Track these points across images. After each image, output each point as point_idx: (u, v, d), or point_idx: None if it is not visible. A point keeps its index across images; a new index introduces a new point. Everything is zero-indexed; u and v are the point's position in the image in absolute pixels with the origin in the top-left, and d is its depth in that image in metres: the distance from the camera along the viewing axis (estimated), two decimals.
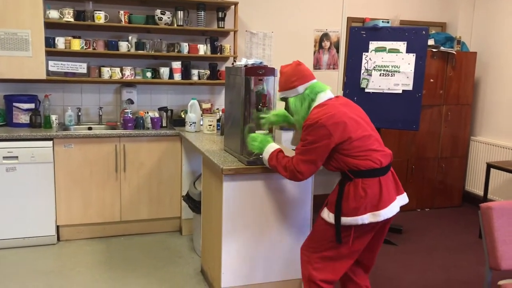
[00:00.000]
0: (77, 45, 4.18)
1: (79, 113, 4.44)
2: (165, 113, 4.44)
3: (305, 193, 3.05)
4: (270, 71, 3.01)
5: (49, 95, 4.28)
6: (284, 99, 2.66)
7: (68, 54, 4.30)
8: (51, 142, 3.90)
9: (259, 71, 2.96)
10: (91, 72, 4.31)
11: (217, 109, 4.77)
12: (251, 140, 2.83)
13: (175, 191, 4.32)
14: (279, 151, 2.67)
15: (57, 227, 4.06)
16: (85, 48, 4.24)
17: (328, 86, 2.61)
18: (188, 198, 3.92)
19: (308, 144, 2.42)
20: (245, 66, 3.00)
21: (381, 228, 2.56)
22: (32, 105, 4.18)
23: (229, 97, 3.27)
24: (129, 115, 4.31)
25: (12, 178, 3.81)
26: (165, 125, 4.43)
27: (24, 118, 4.14)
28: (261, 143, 2.78)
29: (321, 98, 2.54)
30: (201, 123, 4.26)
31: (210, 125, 4.15)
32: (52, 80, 4.22)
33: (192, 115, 4.21)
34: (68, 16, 4.10)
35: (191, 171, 4.28)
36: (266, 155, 2.73)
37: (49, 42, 4.11)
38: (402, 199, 2.58)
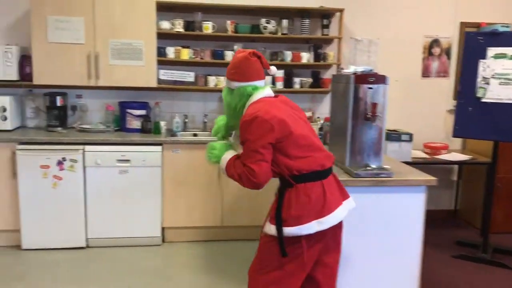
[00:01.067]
0: (186, 54, 4.35)
1: (186, 120, 4.60)
2: None
3: (417, 208, 2.86)
4: (381, 79, 2.87)
5: (159, 102, 4.49)
6: None
7: (176, 63, 4.48)
8: (161, 147, 4.08)
9: (369, 79, 2.85)
10: (198, 80, 4.45)
11: (318, 117, 4.69)
12: (209, 149, 2.49)
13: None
14: (237, 157, 2.37)
15: (162, 228, 4.22)
16: (193, 58, 4.39)
17: (268, 86, 2.44)
18: None
19: (251, 144, 2.21)
20: (354, 73, 2.90)
21: (332, 238, 2.37)
22: (143, 112, 4.41)
23: (334, 105, 3.18)
24: None
25: (124, 180, 4.04)
26: None
27: (136, 124, 4.38)
28: (219, 151, 2.44)
29: (258, 95, 2.35)
30: None
31: None
32: (162, 88, 4.43)
33: None
34: (179, 27, 4.28)
35: None
36: (223, 163, 2.39)
37: (161, 52, 4.31)
38: (349, 203, 2.40)
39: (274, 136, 2.21)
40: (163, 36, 4.34)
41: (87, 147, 3.95)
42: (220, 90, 4.62)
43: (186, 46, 4.42)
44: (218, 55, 4.42)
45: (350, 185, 2.76)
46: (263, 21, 4.37)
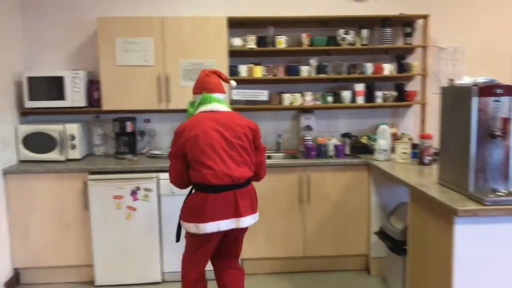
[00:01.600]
0: (259, 72, 4.06)
1: None
2: (348, 140, 4.09)
3: None
4: (509, 90, 2.48)
5: None
6: None
7: (248, 82, 4.21)
8: None
9: (496, 91, 2.46)
10: (272, 99, 4.15)
11: (403, 133, 4.29)
12: None
13: (362, 226, 3.92)
14: None
15: (241, 260, 3.90)
16: (266, 75, 4.11)
17: (219, 100, 2.76)
18: (384, 236, 3.50)
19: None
20: (476, 85, 2.51)
21: (230, 239, 2.84)
22: None
23: (447, 121, 2.79)
24: (310, 142, 4.06)
25: None
26: (348, 152, 4.08)
27: None
28: None
29: (199, 110, 2.74)
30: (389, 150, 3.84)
31: (404, 153, 3.69)
32: (234, 108, 4.13)
33: (383, 142, 3.79)
34: (251, 43, 4.00)
35: (380, 203, 3.85)
36: None
37: (232, 70, 4.05)
38: (239, 221, 2.67)
39: (177, 150, 2.67)
40: (233, 53, 4.07)
41: (161, 175, 3.70)
42: (295, 109, 4.32)
43: (257, 63, 4.14)
44: (292, 70, 4.11)
45: (480, 215, 2.37)
46: (341, 32, 4.04)
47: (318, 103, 4.19)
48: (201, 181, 2.62)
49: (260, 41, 4.08)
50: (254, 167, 2.76)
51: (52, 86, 3.91)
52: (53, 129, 3.88)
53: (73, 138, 3.93)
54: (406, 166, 3.54)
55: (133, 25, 3.84)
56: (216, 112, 2.71)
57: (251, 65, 4.09)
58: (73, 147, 3.94)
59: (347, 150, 4.08)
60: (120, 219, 3.68)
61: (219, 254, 2.93)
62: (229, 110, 2.79)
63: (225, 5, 4.22)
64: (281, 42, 4.04)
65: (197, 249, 2.74)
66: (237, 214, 2.65)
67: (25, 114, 4.08)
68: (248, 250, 3.87)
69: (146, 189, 3.67)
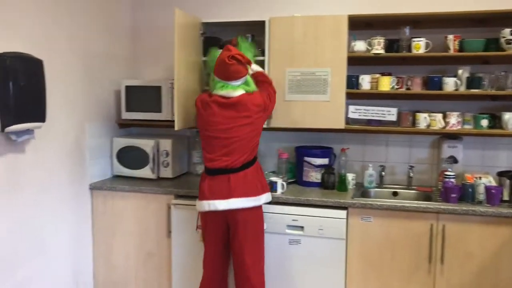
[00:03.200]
0: (386, 84, 3.18)
1: (383, 173, 3.40)
2: (507, 181, 2.96)
3: None
4: None
5: (347, 148, 3.39)
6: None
7: (372, 96, 3.35)
8: (345, 212, 2.96)
9: None
10: (402, 119, 3.23)
11: None
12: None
13: None
14: None
15: None
16: (396, 88, 3.20)
17: (233, 87, 2.75)
18: None
19: None
20: None
21: (234, 227, 2.74)
22: (325, 161, 3.37)
23: None
24: (453, 180, 3.03)
25: (295, 254, 3.03)
26: (506, 198, 2.94)
27: (316, 176, 3.35)
28: None
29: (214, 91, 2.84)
30: None
31: None
32: (351, 129, 3.32)
33: None
34: (378, 47, 3.15)
35: None
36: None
37: (351, 82, 3.24)
38: (231, 202, 2.68)
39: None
40: (354, 61, 3.25)
41: None
42: (434, 133, 3.33)
43: (386, 73, 3.26)
44: (433, 83, 3.13)
45: None
46: (506, 32, 2.93)
47: (468, 127, 3.13)
48: (205, 163, 2.83)
49: (390, 45, 3.20)
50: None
51: (149, 97, 3.57)
52: (145, 143, 3.53)
53: (167, 154, 3.53)
54: None
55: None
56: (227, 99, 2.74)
57: (377, 75, 3.23)
58: (167, 164, 3.54)
59: (505, 195, 2.94)
60: (202, 252, 3.13)
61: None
62: (243, 92, 2.74)
63: (346, 2, 3.44)
64: (419, 46, 3.10)
65: (204, 229, 2.86)
66: (231, 195, 2.68)
67: (123, 125, 3.81)
68: None
69: None
